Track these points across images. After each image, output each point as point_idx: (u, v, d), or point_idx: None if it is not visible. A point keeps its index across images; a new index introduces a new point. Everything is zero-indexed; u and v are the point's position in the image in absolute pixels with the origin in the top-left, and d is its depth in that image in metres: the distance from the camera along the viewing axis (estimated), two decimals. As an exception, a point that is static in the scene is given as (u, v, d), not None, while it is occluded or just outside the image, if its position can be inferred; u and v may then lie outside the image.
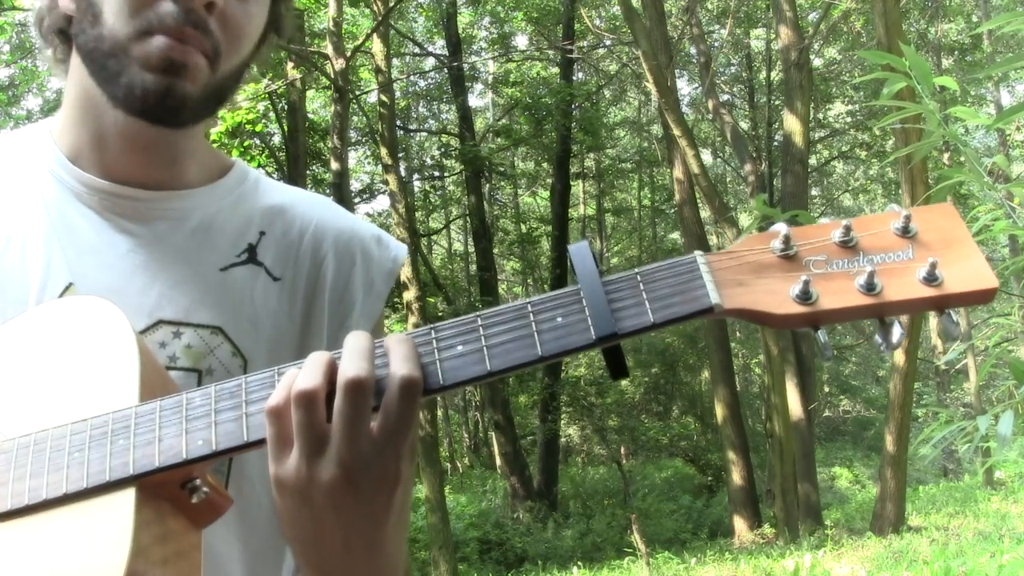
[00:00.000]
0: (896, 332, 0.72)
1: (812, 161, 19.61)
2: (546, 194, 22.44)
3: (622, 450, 20.34)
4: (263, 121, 13.17)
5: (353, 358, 0.74)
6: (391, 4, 14.21)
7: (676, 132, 12.68)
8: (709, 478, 20.23)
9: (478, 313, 0.77)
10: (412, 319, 13.05)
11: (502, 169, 21.65)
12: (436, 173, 22.50)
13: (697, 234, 14.33)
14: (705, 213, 15.85)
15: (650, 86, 13.62)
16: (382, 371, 0.75)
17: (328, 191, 15.17)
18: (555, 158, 19.61)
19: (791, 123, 13.81)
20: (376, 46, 13.75)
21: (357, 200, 20.56)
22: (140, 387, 0.82)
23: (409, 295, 13.09)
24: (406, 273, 13.02)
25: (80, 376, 0.85)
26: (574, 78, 20.57)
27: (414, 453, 0.77)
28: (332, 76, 12.42)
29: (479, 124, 22.82)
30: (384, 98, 14.04)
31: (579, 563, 12.29)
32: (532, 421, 20.63)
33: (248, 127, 11.47)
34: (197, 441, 0.77)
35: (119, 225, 1.01)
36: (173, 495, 0.80)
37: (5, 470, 0.82)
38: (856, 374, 27.38)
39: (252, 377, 0.79)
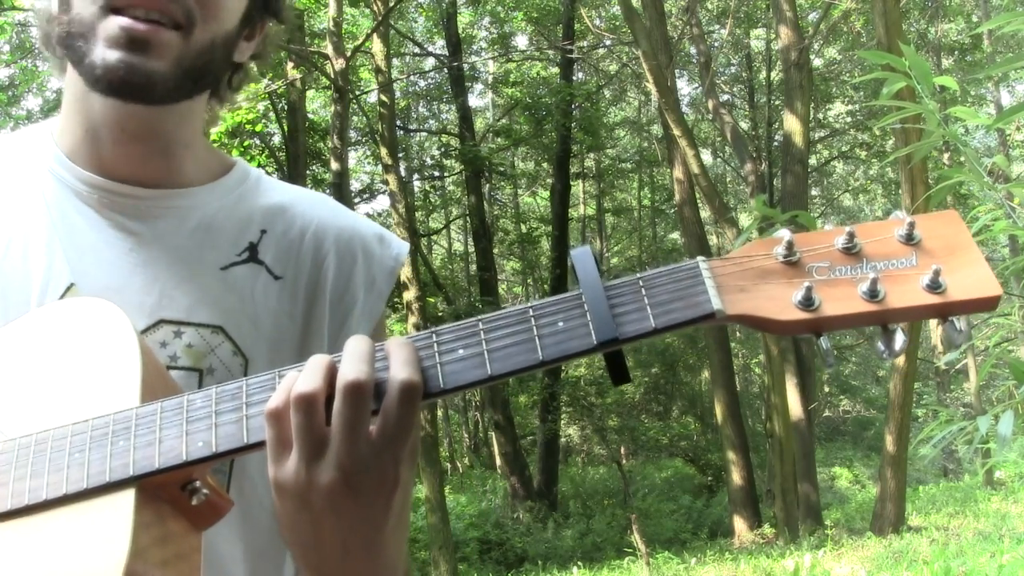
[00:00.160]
0: (899, 339, 0.72)
1: (812, 161, 19.61)
2: (546, 194, 22.44)
3: (622, 450, 20.34)
4: (263, 121, 13.19)
5: (353, 361, 0.74)
6: (391, 4, 14.21)
7: (676, 132, 12.68)
8: (709, 478, 20.23)
9: (479, 317, 0.77)
10: (412, 319, 13.05)
11: (502, 169, 21.65)
12: (436, 173, 22.50)
13: (697, 234, 14.34)
14: (705, 213, 15.86)
15: (650, 86, 13.62)
16: (383, 375, 0.75)
17: (328, 191, 15.17)
18: (555, 158, 19.61)
19: (791, 123, 13.81)
20: (376, 46, 13.75)
21: (357, 200, 20.56)
22: (141, 388, 0.82)
23: (409, 295, 13.09)
24: (406, 273, 13.02)
25: (82, 377, 0.85)
26: (574, 78, 20.57)
27: (414, 457, 0.77)
28: (332, 76, 12.42)
29: (479, 124, 22.82)
30: (384, 98, 14.04)
31: (579, 563, 12.30)
32: (532, 421, 20.63)
33: (248, 127, 11.48)
34: (197, 443, 0.77)
35: (119, 224, 1.01)
36: (173, 497, 0.80)
37: (6, 470, 0.81)
38: (856, 374, 27.38)
39: (253, 379, 0.79)
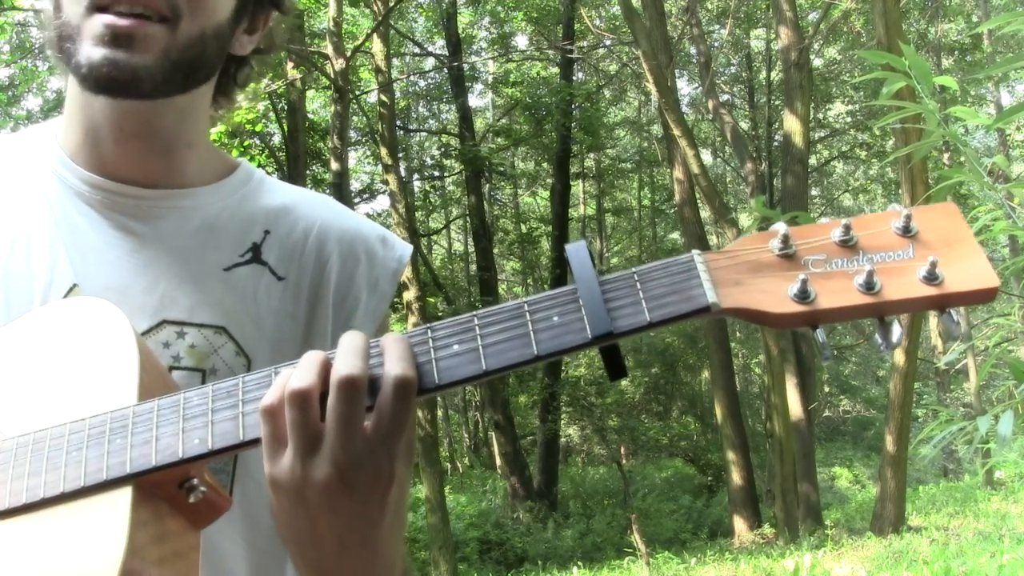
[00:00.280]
0: (896, 332, 0.71)
1: (812, 161, 19.61)
2: (546, 194, 22.45)
3: (622, 450, 20.34)
4: (263, 121, 13.19)
5: (347, 356, 0.73)
6: (391, 4, 14.22)
7: (676, 132, 12.68)
8: (709, 478, 20.23)
9: (474, 312, 0.77)
10: (412, 319, 13.05)
11: (502, 169, 21.66)
12: (436, 173, 22.50)
13: (697, 234, 14.34)
14: (705, 213, 15.86)
15: (650, 86, 13.62)
16: (377, 371, 0.75)
17: (328, 191, 15.17)
18: (555, 158, 19.62)
19: (791, 123, 13.81)
20: (376, 46, 13.75)
21: (357, 200, 20.57)
22: (139, 387, 0.82)
23: (409, 295, 13.09)
24: (406, 273, 13.00)
25: (80, 376, 0.85)
26: (574, 78, 20.57)
27: (411, 453, 0.77)
28: (332, 76, 12.43)
29: (479, 124, 22.82)
30: (384, 98, 14.04)
31: (579, 563, 12.30)
32: (532, 421, 20.63)
33: (248, 127, 11.49)
34: (193, 440, 0.77)
35: (122, 224, 1.01)
36: (171, 495, 0.80)
37: (4, 469, 0.82)
38: (856, 374, 27.38)
39: (249, 376, 0.79)
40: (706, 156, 22.15)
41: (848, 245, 0.73)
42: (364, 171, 22.70)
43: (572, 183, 21.36)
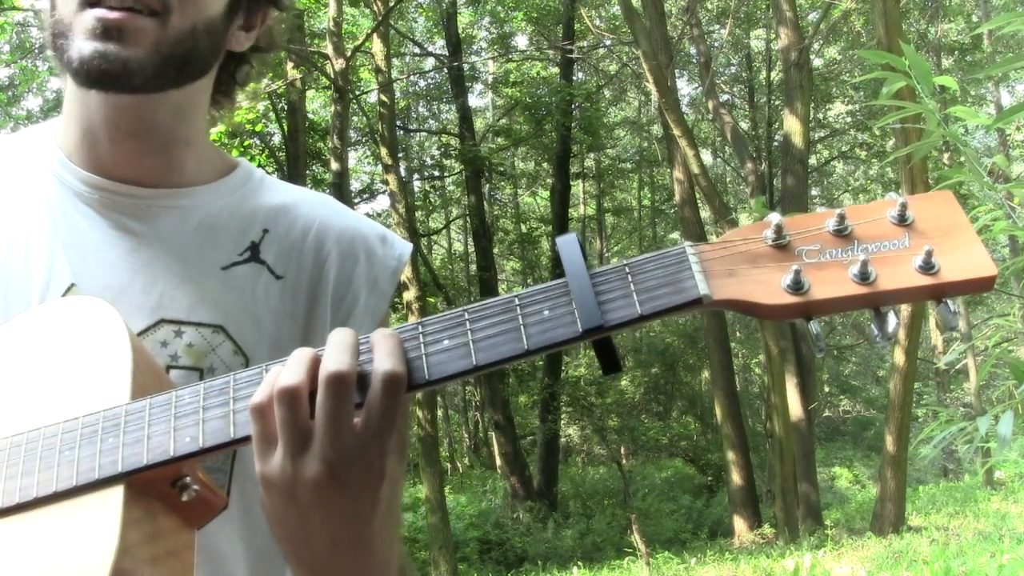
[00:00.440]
0: (891, 322, 0.70)
1: (812, 161, 19.61)
2: (546, 194, 22.45)
3: (622, 450, 20.34)
4: (263, 121, 13.19)
5: (335, 353, 0.73)
6: (391, 4, 14.22)
7: (676, 132, 12.68)
8: (709, 478, 20.23)
9: (465, 307, 0.76)
10: (412, 319, 13.05)
11: (502, 169, 21.67)
12: (436, 173, 22.52)
13: (697, 234, 14.33)
14: (705, 213, 15.86)
15: (650, 86, 13.62)
16: (367, 367, 0.74)
17: (328, 191, 15.16)
18: (555, 158, 19.63)
19: (791, 123, 13.81)
20: (376, 46, 13.75)
21: (357, 200, 20.58)
22: (132, 386, 0.82)
23: (409, 295, 13.09)
24: (406, 273, 13.02)
25: (74, 376, 0.85)
26: (574, 78, 20.58)
27: (403, 450, 0.76)
28: (332, 76, 12.43)
29: (479, 124, 22.83)
30: (384, 98, 14.04)
31: (579, 563, 12.30)
32: (532, 421, 20.64)
33: (248, 127, 11.49)
34: (185, 438, 0.77)
35: (120, 224, 1.01)
36: (164, 493, 0.80)
37: None
38: (856, 374, 27.39)
39: (241, 374, 0.79)
40: (706, 156, 22.16)
41: (843, 235, 0.72)
42: (364, 171, 22.72)
43: (572, 183, 21.37)
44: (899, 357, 10.88)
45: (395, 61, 19.26)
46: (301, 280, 1.05)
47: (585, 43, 20.37)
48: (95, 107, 0.98)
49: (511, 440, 17.91)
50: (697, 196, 14.44)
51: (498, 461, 19.50)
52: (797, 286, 0.70)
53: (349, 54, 13.08)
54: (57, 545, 0.76)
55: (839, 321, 22.34)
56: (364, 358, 0.75)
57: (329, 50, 12.39)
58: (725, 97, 21.98)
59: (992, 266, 0.68)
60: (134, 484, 0.78)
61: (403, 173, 17.99)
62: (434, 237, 24.42)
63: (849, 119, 21.91)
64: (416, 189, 22.15)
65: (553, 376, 18.74)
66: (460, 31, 19.73)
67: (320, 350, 0.75)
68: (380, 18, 13.68)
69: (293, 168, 13.91)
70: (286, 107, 14.16)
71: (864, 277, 0.69)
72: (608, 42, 20.24)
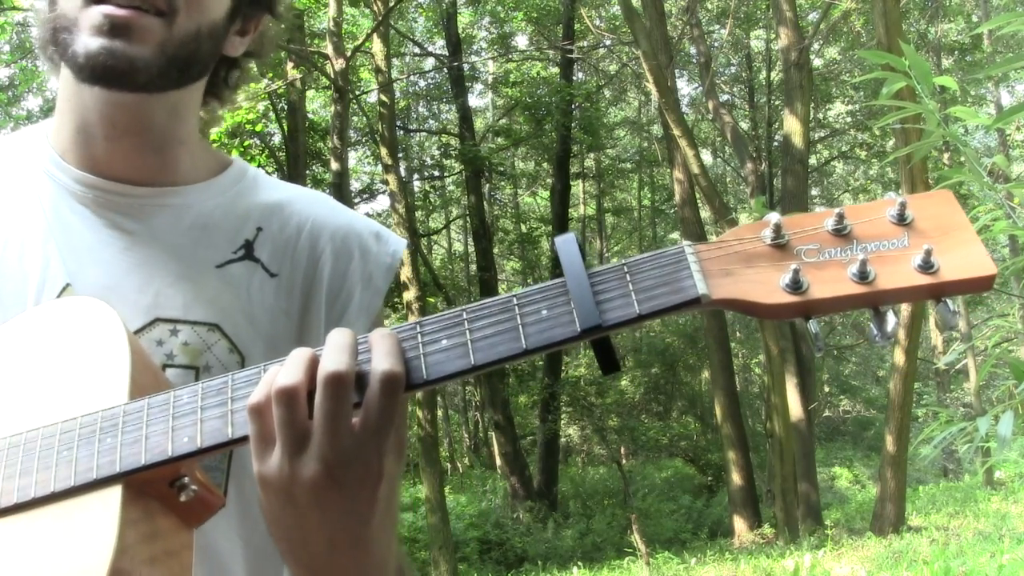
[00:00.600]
0: (890, 322, 0.70)
1: (812, 161, 19.61)
2: (546, 194, 22.45)
3: (622, 450, 20.35)
4: (263, 121, 13.19)
5: (334, 353, 0.73)
6: (391, 4, 14.22)
7: (676, 132, 12.67)
8: (709, 478, 20.23)
9: (464, 307, 0.76)
10: (412, 319, 13.03)
11: (502, 169, 21.66)
12: (436, 173, 22.51)
13: (697, 234, 14.33)
14: (705, 213, 15.86)
15: (650, 86, 13.62)
16: (365, 367, 0.74)
17: (328, 191, 15.16)
18: (555, 158, 19.63)
19: (791, 123, 13.80)
20: (376, 46, 13.75)
21: (357, 200, 20.58)
22: (130, 386, 0.82)
23: (409, 295, 13.09)
24: (406, 273, 13.02)
25: (72, 376, 0.85)
26: (574, 78, 20.57)
27: (400, 450, 0.76)
28: (332, 76, 12.43)
29: (479, 124, 22.83)
30: (384, 98, 14.04)
31: (579, 563, 12.30)
32: (532, 421, 20.64)
33: (248, 127, 11.49)
34: (183, 438, 0.77)
35: (115, 223, 1.01)
36: (162, 493, 0.80)
37: None
38: (856, 374, 27.39)
39: (239, 374, 0.79)
40: (706, 156, 22.16)
41: (842, 234, 0.72)
42: (364, 171, 22.72)
43: (572, 183, 21.36)
44: (899, 357, 10.88)
45: (395, 61, 19.26)
46: (296, 278, 1.05)
47: (585, 43, 20.37)
48: (91, 104, 0.98)
49: (511, 440, 17.91)
50: (697, 196, 14.44)
51: (498, 461, 19.50)
52: (796, 285, 0.70)
53: (349, 54, 13.08)
54: (55, 545, 0.76)
55: (839, 321, 22.34)
56: (362, 358, 0.75)
57: (329, 50, 12.39)
58: (725, 97, 21.98)
59: (992, 265, 0.68)
60: (132, 484, 0.78)
61: (403, 173, 17.99)
62: (434, 237, 24.42)
63: (849, 119, 21.91)
64: (416, 189, 22.15)
65: (553, 376, 18.74)
66: (460, 31, 19.73)
67: (318, 350, 0.75)
68: (380, 18, 13.68)
69: (293, 168, 13.92)
70: (286, 107, 14.17)
71: (863, 276, 0.69)
72: (608, 42, 20.24)
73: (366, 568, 0.78)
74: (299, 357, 0.74)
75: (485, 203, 20.36)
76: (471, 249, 22.53)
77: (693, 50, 18.61)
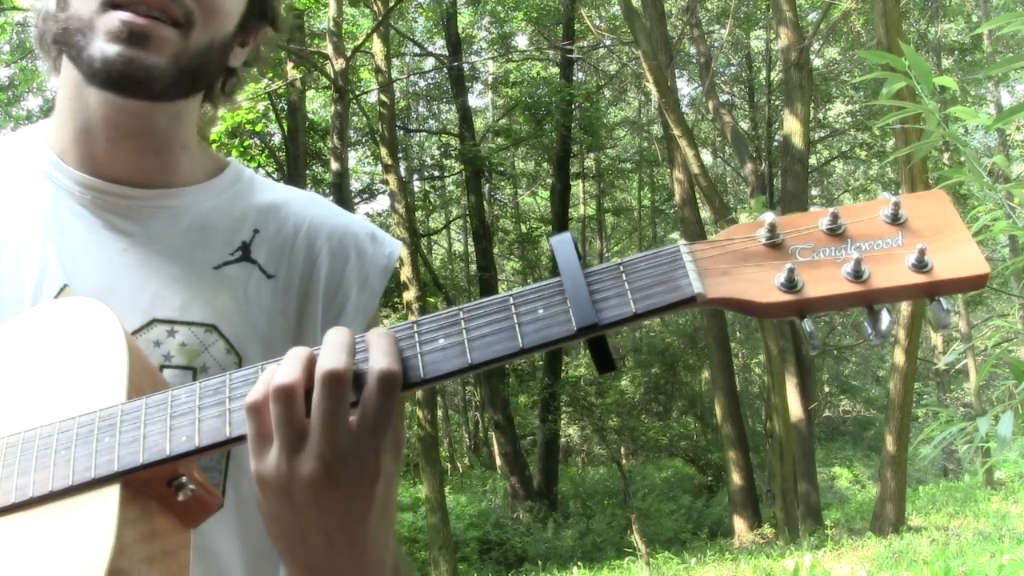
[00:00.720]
0: (885, 320, 0.71)
1: (812, 161, 19.61)
2: (546, 194, 22.46)
3: (622, 450, 20.35)
4: (263, 121, 13.19)
5: (332, 351, 0.73)
6: (391, 4, 14.22)
7: (676, 132, 12.68)
8: (709, 478, 20.24)
9: (461, 306, 0.77)
10: (411, 319, 13.04)
11: (502, 169, 21.66)
12: (436, 173, 22.52)
13: (697, 234, 14.33)
14: (705, 213, 15.86)
15: (650, 86, 13.62)
16: (363, 366, 0.74)
17: (328, 191, 15.17)
18: (555, 158, 19.63)
19: (791, 123, 13.80)
20: (376, 46, 13.75)
21: (357, 200, 20.59)
22: (128, 386, 0.82)
23: (409, 295, 13.09)
24: (406, 273, 13.02)
25: (70, 376, 0.85)
26: (574, 78, 20.58)
27: (398, 449, 0.76)
28: (332, 76, 12.43)
29: (479, 124, 22.83)
30: (384, 98, 14.04)
31: (579, 563, 12.30)
32: (532, 421, 20.64)
33: (248, 127, 11.50)
34: (181, 438, 0.77)
35: (113, 224, 1.01)
36: (160, 493, 0.80)
37: None
38: (856, 374, 27.41)
39: (236, 373, 0.79)
40: (706, 156, 22.16)
41: (836, 234, 0.73)
42: (364, 171, 22.72)
43: (572, 183, 21.37)
44: (899, 357, 10.88)
45: (395, 61, 19.27)
46: (292, 278, 1.06)
47: (585, 43, 20.37)
48: (96, 106, 0.98)
49: (511, 440, 17.91)
50: (697, 196, 14.44)
51: (498, 461, 19.50)
52: (791, 284, 0.71)
53: (349, 54, 13.08)
54: (53, 544, 0.76)
55: (839, 321, 22.34)
56: (359, 357, 0.75)
57: (329, 50, 12.39)
58: (725, 97, 21.97)
59: (985, 264, 0.69)
60: (130, 483, 0.78)
61: (403, 173, 17.99)
62: (434, 237, 24.43)
63: (849, 119, 21.91)
64: (416, 189, 22.16)
65: (553, 376, 18.74)
66: (460, 31, 19.73)
67: (316, 349, 0.75)
68: (380, 18, 13.68)
69: (293, 168, 13.92)
70: (286, 107, 14.17)
71: (858, 275, 0.70)
72: (608, 42, 20.24)
73: (364, 566, 0.78)
74: (297, 356, 0.75)
75: (485, 203, 20.36)
76: (471, 249, 22.54)
77: (693, 50, 18.61)
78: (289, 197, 1.13)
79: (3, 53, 15.28)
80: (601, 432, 20.47)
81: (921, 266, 0.69)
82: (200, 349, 0.98)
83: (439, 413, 19.16)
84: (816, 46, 17.39)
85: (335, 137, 13.12)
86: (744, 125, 21.56)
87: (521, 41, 22.96)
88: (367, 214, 22.85)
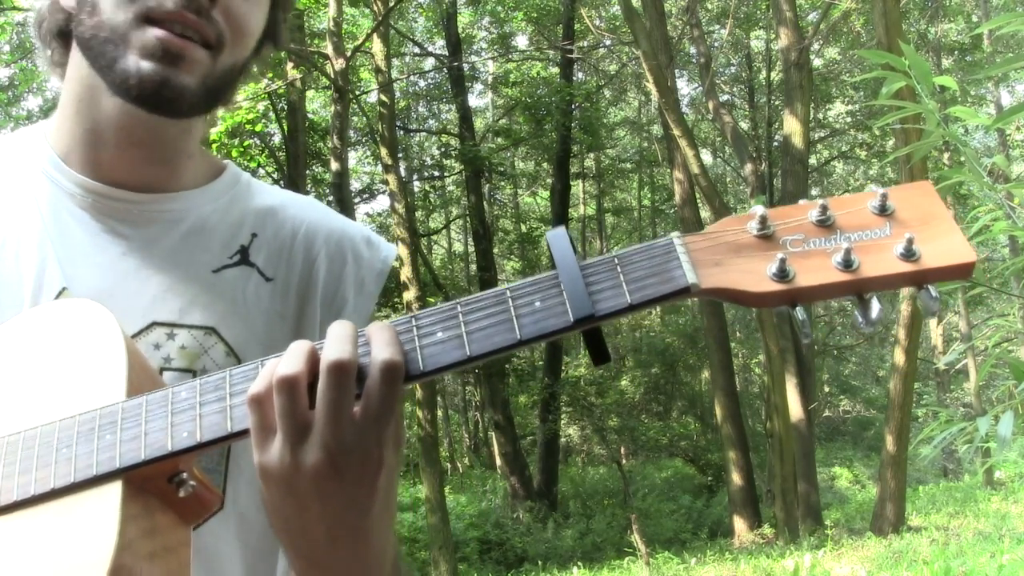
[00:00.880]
0: (875, 308, 0.72)
1: (812, 161, 19.61)
2: (546, 194, 22.46)
3: (622, 450, 20.34)
4: (263, 121, 13.18)
5: (336, 343, 0.74)
6: (391, 4, 14.22)
7: (676, 132, 12.68)
8: (709, 478, 20.23)
9: (458, 300, 0.77)
10: (410, 314, 13.03)
11: (502, 169, 21.67)
12: (436, 173, 22.52)
13: (697, 234, 14.32)
14: (705, 213, 15.87)
15: (650, 86, 13.62)
16: (364, 359, 0.75)
17: (328, 191, 15.19)
18: (555, 158, 19.62)
19: (791, 123, 13.81)
20: (376, 46, 13.75)
21: (357, 200, 20.58)
22: (127, 387, 0.82)
23: (409, 295, 13.09)
24: (406, 273, 13.03)
25: (69, 376, 0.85)
26: (574, 78, 20.58)
27: (400, 441, 0.77)
28: (332, 76, 12.44)
29: (479, 124, 22.83)
30: (384, 98, 14.05)
31: (579, 563, 12.30)
32: (532, 421, 20.64)
33: (248, 127, 11.48)
34: (182, 433, 0.77)
35: (112, 228, 1.01)
36: (161, 490, 0.80)
37: None
38: (856, 374, 27.41)
39: (236, 370, 0.80)
40: (706, 156, 22.16)
41: (825, 225, 0.74)
42: (364, 171, 22.73)
43: (572, 183, 21.37)
44: (899, 357, 10.88)
45: (395, 61, 19.27)
46: (291, 281, 1.07)
47: (585, 43, 20.37)
48: (111, 113, 0.98)
49: (511, 440, 17.91)
50: (697, 196, 14.44)
51: (498, 461, 19.50)
52: (782, 274, 0.72)
53: (349, 54, 13.08)
54: (56, 541, 0.76)
55: (839, 321, 22.35)
56: (361, 351, 0.76)
57: (329, 50, 12.39)
58: (725, 97, 21.98)
59: (971, 253, 0.71)
60: (132, 480, 0.78)
61: (403, 173, 18.00)
62: (434, 237, 24.43)
63: (849, 119, 21.92)
64: (416, 189, 22.16)
65: (553, 376, 18.74)
66: (460, 31, 19.73)
67: (318, 343, 0.76)
68: (380, 18, 13.68)
69: (293, 168, 13.91)
70: (286, 107, 14.15)
71: (847, 265, 0.71)
72: (608, 42, 20.25)
73: (365, 558, 0.79)
74: (299, 348, 0.75)
75: (485, 203, 20.36)
76: (471, 249, 22.54)
77: (693, 50, 18.61)
78: (286, 201, 1.13)
79: (3, 53, 15.27)
80: (601, 432, 20.48)
81: (909, 255, 0.71)
82: (200, 352, 0.99)
83: (439, 413, 19.16)
84: (816, 46, 17.39)
85: (335, 137, 13.13)
86: (744, 125, 21.56)
87: (521, 41, 22.98)
88: (367, 214, 22.87)
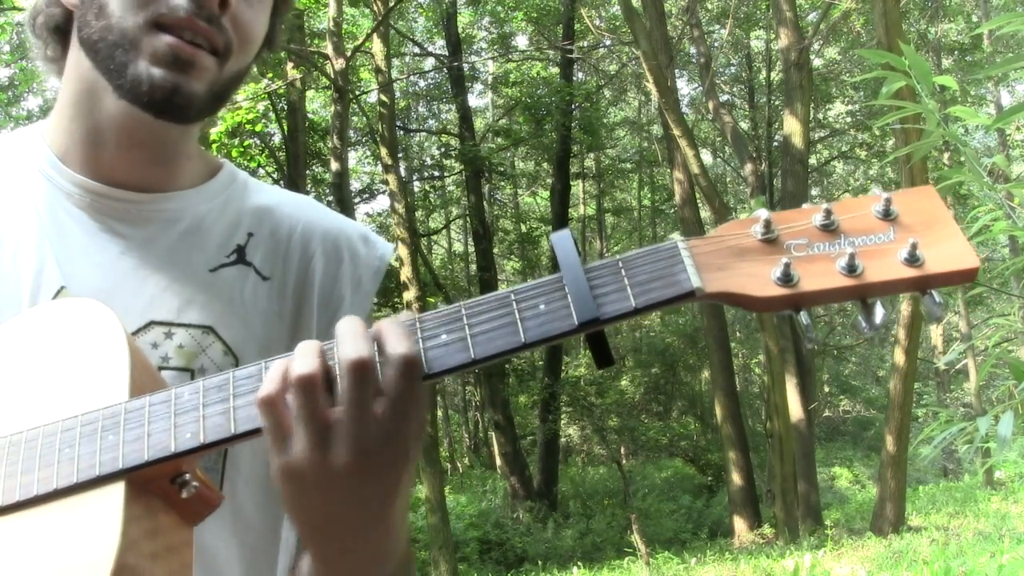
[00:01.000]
0: (879, 313, 0.72)
1: (812, 161, 19.61)
2: (546, 194, 22.46)
3: (622, 450, 20.34)
4: (263, 121, 13.17)
5: (352, 341, 0.74)
6: (391, 4, 14.22)
7: (676, 132, 12.68)
8: (709, 478, 20.23)
9: (462, 303, 0.77)
10: (414, 316, 13.03)
11: (502, 169, 21.66)
12: (436, 173, 22.52)
13: (697, 234, 14.26)
14: (705, 213, 15.87)
15: (650, 86, 13.63)
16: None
17: (328, 191, 15.19)
18: (555, 158, 19.63)
19: (791, 123, 13.81)
20: (376, 46, 13.75)
21: (357, 200, 20.57)
22: (130, 386, 0.82)
23: (409, 295, 13.09)
24: (406, 273, 13.02)
25: (71, 376, 0.85)
26: (574, 78, 20.58)
27: (422, 431, 0.77)
28: (332, 76, 12.43)
29: (479, 124, 22.83)
30: (384, 98, 14.04)
31: (579, 563, 12.30)
32: (532, 421, 20.64)
33: (248, 127, 11.47)
34: (185, 435, 0.77)
35: (110, 227, 1.01)
36: (163, 490, 0.80)
37: None
38: (856, 374, 27.40)
39: (239, 371, 0.80)
40: (706, 156, 22.16)
41: (829, 229, 0.74)
42: (364, 171, 22.72)
43: (572, 183, 21.37)
44: (899, 357, 10.88)
45: (395, 61, 19.26)
46: (288, 280, 1.07)
47: (585, 43, 20.38)
48: (113, 114, 0.98)
49: (511, 440, 17.91)
50: (697, 196, 14.45)
51: (498, 461, 19.50)
52: (787, 278, 0.72)
53: (349, 54, 13.08)
54: (59, 542, 0.76)
55: (839, 321, 22.34)
56: None
57: (329, 50, 12.39)
58: (725, 97, 21.98)
59: (975, 258, 0.71)
60: (135, 481, 0.78)
61: (403, 173, 18.00)
62: (434, 237, 24.43)
63: (849, 119, 21.91)
64: (416, 189, 22.15)
65: (553, 376, 18.74)
66: (460, 31, 19.73)
67: (326, 344, 0.76)
68: (380, 18, 13.68)
69: (293, 168, 13.91)
70: (286, 107, 14.15)
71: (851, 269, 0.72)
72: (608, 42, 20.25)
73: (386, 545, 0.80)
74: (311, 348, 0.75)
75: (485, 203, 20.36)
76: (471, 249, 22.54)
77: (693, 50, 18.61)
78: (282, 199, 1.13)
79: (3, 53, 15.27)
80: (601, 432, 20.47)
81: (913, 260, 0.71)
82: (198, 351, 0.99)
83: (439, 413, 19.17)
84: (816, 46, 17.40)
85: (335, 137, 13.13)
86: (744, 125, 21.56)
87: (521, 41, 22.98)
88: (367, 214, 22.87)
